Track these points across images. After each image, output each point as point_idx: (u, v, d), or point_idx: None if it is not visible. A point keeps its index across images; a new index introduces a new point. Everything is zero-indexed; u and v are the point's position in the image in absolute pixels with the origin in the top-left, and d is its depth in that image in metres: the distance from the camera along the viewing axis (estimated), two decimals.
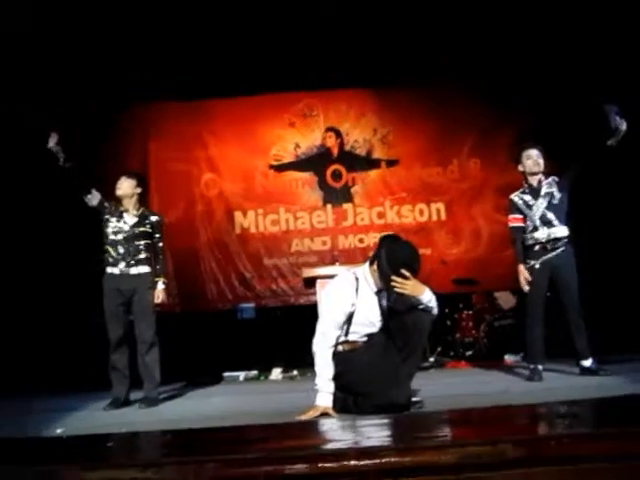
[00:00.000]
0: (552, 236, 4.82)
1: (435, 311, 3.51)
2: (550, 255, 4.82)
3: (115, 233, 4.84)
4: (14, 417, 4.48)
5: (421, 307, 3.45)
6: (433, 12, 6.97)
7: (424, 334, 3.49)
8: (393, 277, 3.37)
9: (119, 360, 4.79)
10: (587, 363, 4.77)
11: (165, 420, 3.97)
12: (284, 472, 1.53)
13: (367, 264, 3.58)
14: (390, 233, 3.78)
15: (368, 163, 8.22)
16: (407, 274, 3.36)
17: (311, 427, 2.85)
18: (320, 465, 1.55)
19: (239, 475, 1.55)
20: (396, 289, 3.38)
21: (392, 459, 1.55)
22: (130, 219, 4.89)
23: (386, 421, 2.72)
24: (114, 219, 4.87)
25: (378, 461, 1.54)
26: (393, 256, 3.43)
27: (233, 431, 2.80)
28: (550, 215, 4.85)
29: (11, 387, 5.92)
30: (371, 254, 3.65)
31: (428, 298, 3.43)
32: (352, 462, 1.55)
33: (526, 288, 4.89)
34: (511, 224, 5.04)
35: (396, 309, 3.50)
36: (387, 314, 3.51)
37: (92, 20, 6.58)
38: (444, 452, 1.56)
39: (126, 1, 6.45)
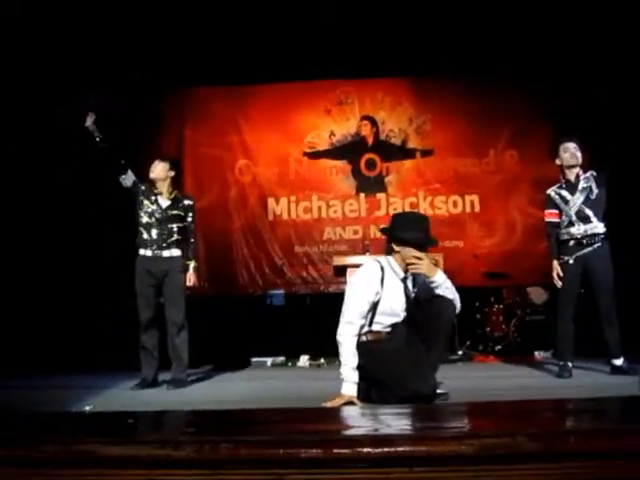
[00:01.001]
0: (588, 232, 4.73)
1: (457, 300, 3.50)
2: (585, 251, 4.73)
3: (149, 215, 4.90)
4: (46, 393, 4.59)
5: (441, 293, 3.44)
6: (477, 4, 6.86)
7: (448, 324, 3.50)
8: (408, 260, 3.42)
9: (149, 341, 4.87)
10: (618, 362, 4.69)
11: (191, 402, 4.03)
12: (299, 456, 1.53)
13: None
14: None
15: (403, 153, 8.14)
16: (419, 254, 3.40)
17: (330, 413, 2.86)
18: (335, 451, 1.55)
19: (254, 456, 1.56)
20: (411, 268, 3.43)
21: (407, 448, 1.54)
22: (163, 202, 4.95)
23: (405, 410, 2.71)
24: (147, 202, 4.93)
25: (393, 449, 1.53)
26: (399, 224, 3.53)
27: (251, 413, 2.82)
28: (587, 211, 4.75)
29: (46, 364, 6.07)
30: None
31: (442, 279, 3.44)
32: (366, 449, 1.54)
33: (559, 284, 4.82)
34: (547, 219, 4.97)
35: (420, 298, 3.49)
36: (412, 303, 3.50)
37: (131, 3, 6.63)
38: (460, 442, 1.54)
39: None
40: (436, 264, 3.60)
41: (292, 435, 1.75)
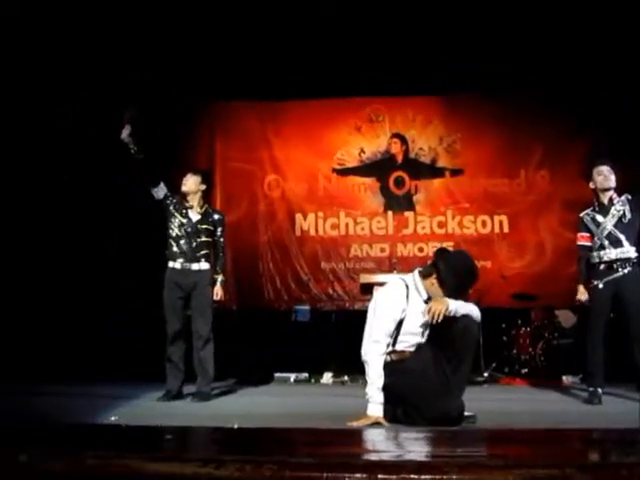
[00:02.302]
0: (619, 256, 4.67)
1: (478, 316, 3.47)
2: (615, 275, 4.67)
3: (179, 228, 4.94)
4: (73, 402, 4.62)
5: (466, 311, 3.41)
6: (509, 22, 6.85)
7: (472, 343, 3.46)
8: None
9: (175, 353, 4.88)
10: None
11: (216, 416, 4.02)
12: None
13: (416, 272, 3.56)
14: (441, 247, 3.81)
15: (432, 171, 8.11)
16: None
17: (368, 435, 2.82)
18: (380, 476, 1.51)
19: (298, 478, 1.53)
20: (433, 320, 3.35)
21: (455, 475, 1.50)
22: (194, 215, 4.99)
23: (445, 435, 2.66)
24: (178, 214, 4.97)
25: (439, 477, 1.50)
26: (454, 266, 3.45)
27: (290, 433, 2.79)
28: (619, 234, 4.69)
29: (72, 373, 6.11)
30: (421, 268, 3.63)
31: (454, 308, 3.36)
32: (412, 475, 1.51)
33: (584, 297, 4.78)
34: (578, 242, 4.93)
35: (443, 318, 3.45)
36: (435, 323, 3.46)
37: (170, 19, 6.72)
38: (508, 472, 1.49)
39: (193, 3, 6.56)
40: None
41: (336, 458, 1.72)
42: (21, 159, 6.82)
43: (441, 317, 3.33)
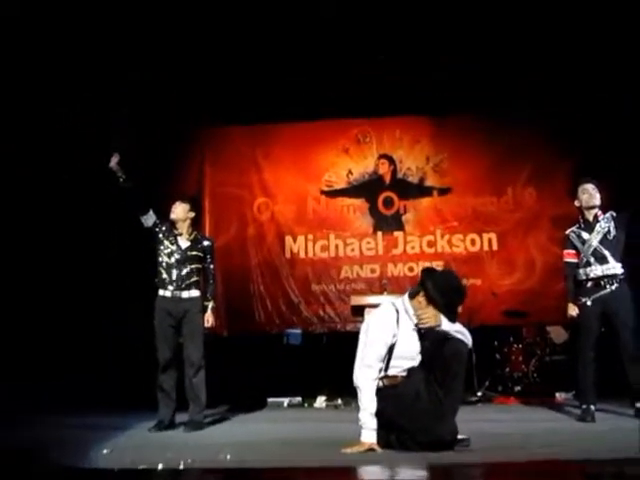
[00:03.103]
0: (605, 273, 4.72)
1: (469, 339, 3.49)
2: (602, 293, 4.72)
3: (168, 256, 4.94)
4: (67, 433, 4.58)
5: (456, 336, 3.43)
6: (493, 42, 6.94)
7: (463, 365, 3.46)
8: (416, 314, 3.46)
9: (166, 382, 4.85)
10: None
11: (209, 446, 3.99)
12: None
13: (406, 296, 3.58)
14: (428, 267, 3.84)
15: (420, 191, 8.15)
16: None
17: (364, 475, 2.79)
18: None
19: None
20: (420, 324, 3.45)
21: None
22: (183, 243, 4.99)
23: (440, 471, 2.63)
24: (167, 242, 4.97)
25: None
26: (441, 285, 3.47)
27: (284, 473, 2.77)
28: (604, 251, 4.75)
29: (62, 403, 6.06)
30: (410, 290, 3.65)
31: (448, 326, 3.43)
32: None
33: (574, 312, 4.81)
34: (565, 259, 5.00)
35: (433, 341, 3.46)
36: (426, 346, 3.48)
37: (154, 44, 6.75)
38: None
39: (184, 29, 6.60)
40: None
41: None
42: (21, 159, 6.82)
43: (428, 324, 3.41)
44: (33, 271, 6.93)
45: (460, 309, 3.75)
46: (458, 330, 3.44)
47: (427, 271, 3.71)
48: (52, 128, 6.96)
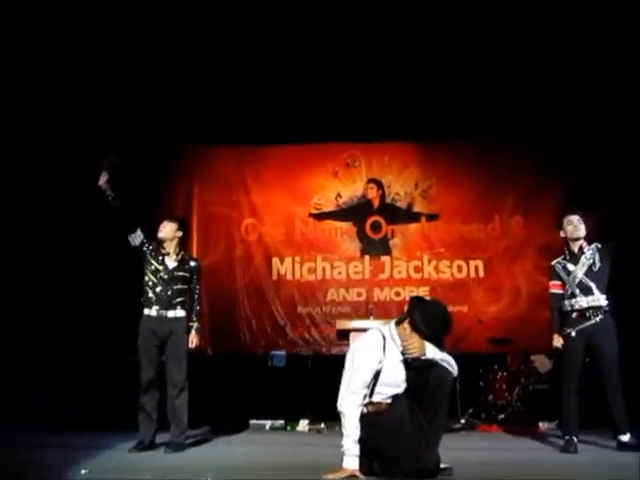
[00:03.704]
0: (590, 304, 4.75)
1: (454, 368, 3.48)
2: (587, 324, 4.74)
3: (155, 275, 4.92)
4: (43, 452, 4.51)
5: (441, 364, 3.42)
6: (479, 67, 7.02)
7: (447, 393, 3.45)
8: (402, 343, 3.44)
9: (148, 403, 4.81)
10: (625, 438, 4.61)
11: (189, 468, 3.95)
12: None
13: (393, 323, 3.58)
14: (416, 295, 3.82)
15: (408, 216, 8.20)
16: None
17: None
18: None
19: None
20: (406, 352, 3.44)
21: None
22: (170, 262, 4.97)
23: None
24: (154, 261, 4.95)
25: None
26: (428, 316, 3.46)
27: None
28: (589, 282, 4.78)
29: (42, 422, 5.98)
30: (399, 315, 3.65)
31: (432, 353, 3.41)
32: None
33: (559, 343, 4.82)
34: (550, 290, 5.03)
35: (418, 368, 3.45)
36: (411, 374, 3.46)
37: (142, 63, 6.80)
38: None
39: (174, 46, 6.64)
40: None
41: None
42: (21, 159, 6.81)
43: (414, 354, 3.39)
44: (33, 271, 6.94)
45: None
46: (444, 359, 3.44)
47: (415, 300, 3.69)
48: (52, 128, 6.96)
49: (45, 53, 6.54)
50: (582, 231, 4.88)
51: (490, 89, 7.29)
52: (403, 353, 3.48)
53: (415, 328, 3.44)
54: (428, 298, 3.71)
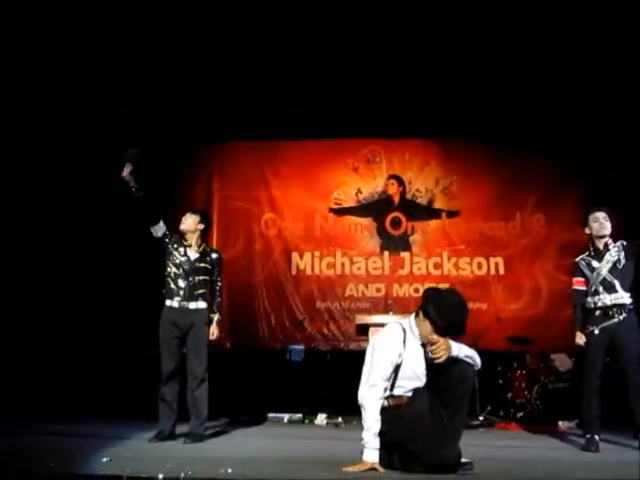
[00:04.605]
0: (614, 302, 4.68)
1: (478, 363, 3.45)
2: (610, 322, 4.67)
3: (177, 267, 4.93)
4: (67, 442, 4.55)
5: (465, 360, 3.38)
6: (507, 68, 6.99)
7: (469, 388, 3.41)
8: (429, 349, 3.37)
9: (168, 393, 4.83)
10: None
11: (209, 459, 3.96)
12: None
13: (413, 316, 3.55)
14: (430, 287, 3.78)
15: (428, 213, 8.18)
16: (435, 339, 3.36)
17: None
18: None
19: None
20: (436, 361, 3.34)
21: None
22: (192, 254, 4.99)
23: None
24: (176, 253, 4.97)
25: None
26: (442, 304, 3.42)
27: None
28: (613, 280, 4.71)
29: (64, 412, 6.04)
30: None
31: (457, 351, 3.36)
32: None
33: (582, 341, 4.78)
34: (574, 287, 4.96)
35: (440, 362, 3.41)
36: (432, 367, 3.44)
37: (164, 63, 6.84)
38: None
39: (196, 46, 6.68)
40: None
41: None
42: (21, 159, 6.84)
43: (442, 359, 3.32)
44: (33, 271, 6.95)
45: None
46: (468, 355, 3.40)
47: (429, 290, 3.66)
48: (52, 128, 7.00)
49: (45, 53, 6.59)
50: (608, 229, 4.81)
51: (490, 89, 7.29)
52: (424, 345, 3.46)
53: (429, 318, 3.41)
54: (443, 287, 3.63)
